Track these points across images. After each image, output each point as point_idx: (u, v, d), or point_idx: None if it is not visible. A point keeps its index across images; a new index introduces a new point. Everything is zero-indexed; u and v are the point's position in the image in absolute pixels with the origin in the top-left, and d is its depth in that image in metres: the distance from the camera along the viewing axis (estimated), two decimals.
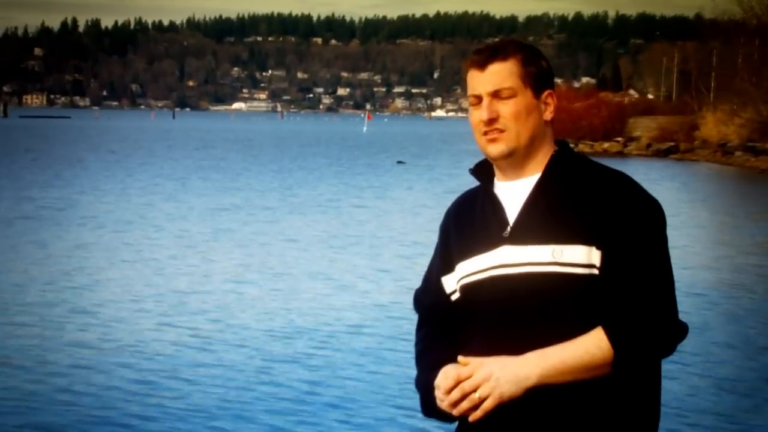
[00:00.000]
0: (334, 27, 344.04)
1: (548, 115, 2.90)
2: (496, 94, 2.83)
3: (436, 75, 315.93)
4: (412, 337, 3.12)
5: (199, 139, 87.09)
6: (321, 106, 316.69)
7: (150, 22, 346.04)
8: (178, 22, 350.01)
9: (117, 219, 24.36)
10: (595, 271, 2.73)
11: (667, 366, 10.38)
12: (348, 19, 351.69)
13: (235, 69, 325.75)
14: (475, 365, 2.72)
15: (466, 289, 2.89)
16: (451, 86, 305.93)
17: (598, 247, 2.73)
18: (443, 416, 2.81)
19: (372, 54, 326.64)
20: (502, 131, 2.83)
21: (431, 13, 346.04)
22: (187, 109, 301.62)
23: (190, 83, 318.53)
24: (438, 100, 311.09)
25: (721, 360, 11.33)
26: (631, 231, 2.73)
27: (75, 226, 22.69)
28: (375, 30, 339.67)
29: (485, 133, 2.84)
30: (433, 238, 3.28)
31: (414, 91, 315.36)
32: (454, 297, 2.96)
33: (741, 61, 63.23)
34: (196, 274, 16.53)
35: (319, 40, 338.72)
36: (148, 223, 23.77)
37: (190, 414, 9.14)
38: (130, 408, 9.29)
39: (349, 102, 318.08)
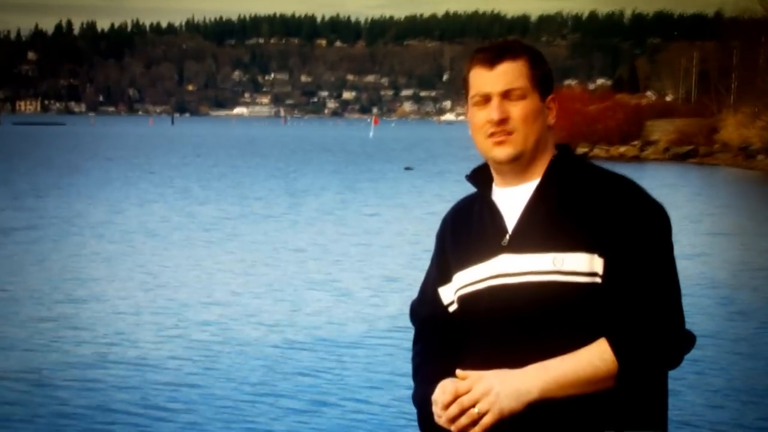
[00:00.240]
0: (339, 28, 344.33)
1: (551, 119, 2.89)
2: (506, 95, 2.82)
3: (445, 77, 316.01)
4: None
5: (200, 146, 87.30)
6: (326, 111, 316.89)
7: (148, 24, 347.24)
8: (176, 24, 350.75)
9: (115, 229, 24.50)
10: (598, 280, 2.71)
11: (690, 376, 10.48)
12: (353, 19, 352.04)
13: (236, 72, 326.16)
14: (473, 379, 2.70)
15: (463, 300, 2.88)
16: (461, 89, 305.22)
17: (600, 255, 2.71)
18: None
19: (378, 56, 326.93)
20: (509, 134, 2.81)
21: (440, 12, 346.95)
22: (187, 114, 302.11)
23: (190, 88, 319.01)
24: (447, 104, 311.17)
25: (745, 370, 11.42)
26: (635, 238, 2.72)
27: (72, 236, 22.84)
28: (381, 31, 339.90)
29: (492, 135, 2.82)
30: None
31: (422, 94, 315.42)
32: (451, 308, 2.96)
33: (763, 60, 63.24)
34: (199, 285, 16.66)
35: (323, 42, 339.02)
36: (147, 232, 23.90)
37: (197, 428, 9.26)
38: (135, 420, 9.41)
39: (354, 106, 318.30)
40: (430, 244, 3.13)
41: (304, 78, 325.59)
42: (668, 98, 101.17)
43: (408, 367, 3.03)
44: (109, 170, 49.13)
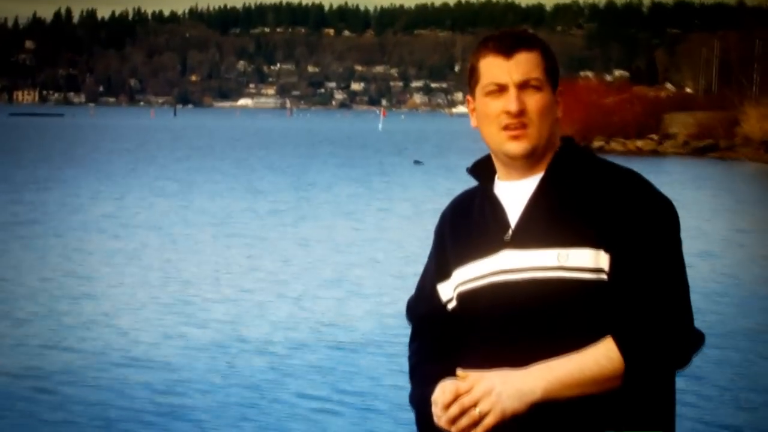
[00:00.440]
0: (347, 17, 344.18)
1: (559, 113, 2.89)
2: (524, 85, 2.81)
3: (457, 68, 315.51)
4: None
5: (203, 138, 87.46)
6: (333, 102, 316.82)
7: (149, 12, 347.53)
8: (179, 12, 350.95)
9: (118, 223, 24.62)
10: (604, 276, 2.72)
11: (712, 378, 10.56)
12: (362, 8, 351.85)
13: (241, 62, 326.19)
14: (474, 379, 2.69)
15: (463, 297, 2.88)
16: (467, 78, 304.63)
17: (606, 251, 2.72)
18: None
19: (388, 46, 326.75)
20: (525, 127, 2.80)
21: (452, 1, 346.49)
22: (190, 105, 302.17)
23: (193, 78, 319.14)
24: (459, 95, 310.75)
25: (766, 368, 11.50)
26: (643, 233, 2.72)
27: (73, 231, 22.96)
28: (391, 20, 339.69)
29: (506, 127, 2.80)
30: None
31: (433, 85, 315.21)
32: (450, 306, 2.94)
33: None
34: (205, 282, 16.76)
35: (331, 31, 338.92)
36: (151, 227, 24.02)
37: (209, 428, 9.36)
38: (145, 417, 9.52)
39: (363, 97, 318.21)
40: None
41: (310, 68, 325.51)
42: (688, 90, 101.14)
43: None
44: (109, 163, 49.26)
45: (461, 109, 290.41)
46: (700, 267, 18.22)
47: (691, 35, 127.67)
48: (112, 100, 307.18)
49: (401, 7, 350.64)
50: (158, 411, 9.82)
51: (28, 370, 11.18)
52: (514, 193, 2.85)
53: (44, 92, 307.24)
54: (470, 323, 2.85)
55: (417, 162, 52.60)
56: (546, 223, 2.78)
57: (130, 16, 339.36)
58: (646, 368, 2.67)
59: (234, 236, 22.61)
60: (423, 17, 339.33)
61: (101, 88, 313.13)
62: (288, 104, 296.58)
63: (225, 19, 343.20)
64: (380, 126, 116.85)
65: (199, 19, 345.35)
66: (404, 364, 9.48)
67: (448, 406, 2.69)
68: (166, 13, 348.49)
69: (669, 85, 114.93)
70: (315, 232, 23.44)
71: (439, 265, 2.98)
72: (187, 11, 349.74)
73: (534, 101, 2.80)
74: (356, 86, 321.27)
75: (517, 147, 2.80)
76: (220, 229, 23.80)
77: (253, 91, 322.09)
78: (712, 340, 12.53)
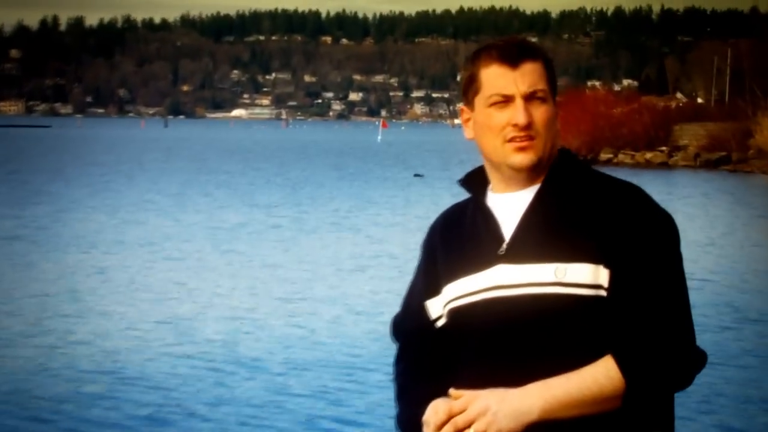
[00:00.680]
0: (346, 24, 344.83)
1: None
2: (530, 97, 2.80)
3: (459, 78, 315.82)
4: None
5: (196, 150, 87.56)
6: (331, 113, 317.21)
7: (140, 19, 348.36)
8: (171, 19, 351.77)
9: (107, 239, 24.68)
10: (603, 293, 2.72)
11: (733, 394, 10.60)
12: (361, 15, 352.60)
13: (235, 72, 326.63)
14: (469, 398, 2.68)
15: (455, 314, 2.86)
16: (464, 87, 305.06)
17: (605, 266, 2.72)
18: None
19: (388, 54, 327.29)
20: (532, 138, 2.80)
21: (454, 8, 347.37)
22: (182, 116, 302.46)
23: (185, 88, 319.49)
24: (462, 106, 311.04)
25: None
26: (644, 249, 2.72)
27: (62, 247, 23.01)
28: (391, 27, 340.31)
29: (512, 140, 2.80)
30: None
31: (435, 95, 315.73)
32: (439, 323, 2.93)
33: None
34: (199, 301, 16.81)
35: (328, 39, 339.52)
36: (142, 243, 24.08)
37: None
38: None
39: (362, 108, 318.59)
40: None
41: (307, 78, 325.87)
42: (699, 100, 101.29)
43: None
44: (98, 176, 49.33)
45: None
46: (714, 283, 18.29)
47: (703, 43, 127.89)
48: (100, 110, 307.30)
49: (401, 14, 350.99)
50: None
51: (12, 393, 11.21)
52: (508, 206, 2.85)
53: (30, 103, 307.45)
54: (462, 341, 2.84)
55: (417, 175, 52.71)
56: (542, 237, 2.77)
57: (120, 24, 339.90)
58: (648, 388, 2.67)
59: (229, 252, 22.66)
60: (424, 24, 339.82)
61: (89, 99, 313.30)
62: (284, 115, 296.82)
63: (218, 26, 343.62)
64: (379, 138, 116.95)
65: (191, 26, 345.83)
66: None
67: (440, 427, 2.68)
68: (157, 20, 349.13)
69: (679, 95, 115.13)
70: (314, 248, 23.49)
71: (428, 281, 2.96)
72: (178, 18, 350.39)
73: (540, 113, 2.80)
74: (355, 96, 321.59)
75: (523, 159, 2.80)
76: (214, 245, 23.85)
77: (247, 101, 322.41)
78: (727, 358, 12.60)
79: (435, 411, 2.71)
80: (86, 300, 16.63)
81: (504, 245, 2.81)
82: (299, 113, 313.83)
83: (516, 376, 2.69)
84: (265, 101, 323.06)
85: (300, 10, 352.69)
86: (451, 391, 2.71)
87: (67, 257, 21.49)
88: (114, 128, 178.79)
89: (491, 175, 2.89)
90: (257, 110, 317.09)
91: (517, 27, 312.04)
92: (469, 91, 2.88)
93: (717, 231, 27.44)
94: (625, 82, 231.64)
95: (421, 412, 2.77)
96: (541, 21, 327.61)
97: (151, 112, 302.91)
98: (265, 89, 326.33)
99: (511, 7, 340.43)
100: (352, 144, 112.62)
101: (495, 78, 2.82)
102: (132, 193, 39.15)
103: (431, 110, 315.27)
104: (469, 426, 2.65)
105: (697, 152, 64.13)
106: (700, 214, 32.14)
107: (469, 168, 2.98)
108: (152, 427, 10.09)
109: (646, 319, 2.67)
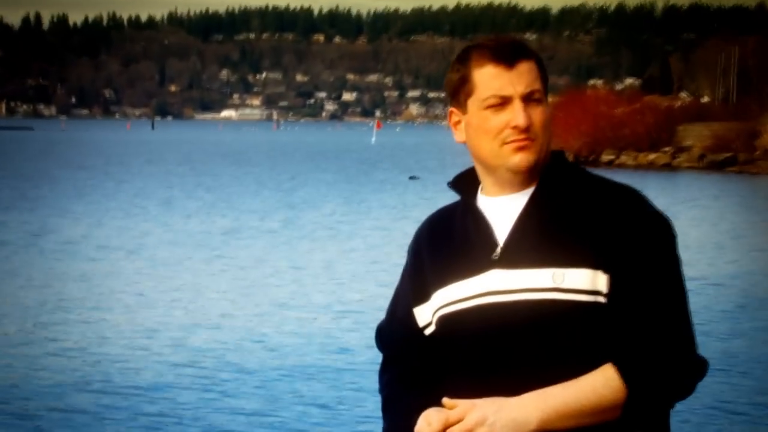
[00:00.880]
0: (339, 22, 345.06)
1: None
2: (527, 98, 2.79)
3: (447, 78, 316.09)
4: None
5: (184, 153, 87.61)
6: (323, 114, 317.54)
7: (125, 17, 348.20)
8: (157, 17, 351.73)
9: (94, 245, 24.72)
10: (601, 299, 2.71)
11: (740, 401, 10.68)
12: (354, 12, 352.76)
13: (224, 71, 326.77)
14: (465, 408, 2.66)
15: (446, 321, 2.84)
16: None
17: (604, 272, 2.71)
18: None
19: (382, 53, 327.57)
20: (532, 140, 2.79)
21: (450, 5, 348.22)
22: (169, 117, 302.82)
23: (172, 88, 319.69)
24: None
25: None
26: (643, 254, 2.72)
27: (48, 253, 23.05)
28: (385, 25, 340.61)
29: (512, 142, 2.78)
30: None
31: (431, 95, 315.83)
32: (428, 330, 2.91)
33: None
34: (190, 309, 16.86)
35: (321, 38, 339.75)
36: (130, 249, 24.11)
37: None
38: None
39: (355, 109, 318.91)
40: None
41: (299, 77, 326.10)
42: (704, 100, 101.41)
43: None
44: (83, 180, 49.37)
45: None
46: (721, 288, 18.37)
47: (708, 41, 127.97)
48: (85, 112, 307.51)
49: (396, 11, 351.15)
50: None
51: None
52: (501, 209, 2.83)
53: (12, 104, 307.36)
54: (453, 348, 2.82)
55: (412, 177, 52.82)
56: (538, 241, 2.76)
57: (105, 22, 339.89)
58: (650, 398, 2.67)
59: (219, 259, 22.71)
60: (420, 22, 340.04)
61: (73, 100, 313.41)
62: (275, 116, 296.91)
63: (207, 24, 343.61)
64: (373, 139, 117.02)
65: (178, 24, 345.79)
66: None
67: None
68: (143, 18, 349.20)
69: (683, 95, 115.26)
70: (306, 254, 23.55)
71: (416, 287, 2.94)
72: (165, 16, 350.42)
73: (537, 114, 2.79)
74: (348, 96, 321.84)
75: (522, 160, 2.78)
76: (203, 251, 23.91)
77: (237, 102, 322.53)
78: (737, 364, 12.67)
79: (428, 422, 2.68)
80: (73, 308, 16.66)
81: (498, 250, 2.79)
82: (291, 114, 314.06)
83: (510, 385, 2.68)
84: (256, 102, 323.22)
85: (291, 7, 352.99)
86: (445, 400, 2.68)
87: (53, 264, 21.52)
88: (99, 130, 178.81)
89: (484, 178, 2.87)
90: (247, 111, 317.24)
91: (515, 25, 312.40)
92: (460, 92, 2.85)
93: (724, 235, 27.51)
94: (628, 81, 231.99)
95: (410, 423, 2.75)
96: (540, 18, 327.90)
97: (137, 113, 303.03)
98: (255, 89, 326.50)
99: (509, 3, 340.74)
100: (346, 146, 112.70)
101: (490, 79, 2.79)
102: (119, 198, 39.19)
103: (427, 111, 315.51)
104: None
105: (701, 153, 64.17)
106: (705, 218, 32.23)
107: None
108: None
109: (648, 327, 2.67)
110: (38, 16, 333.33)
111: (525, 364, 2.71)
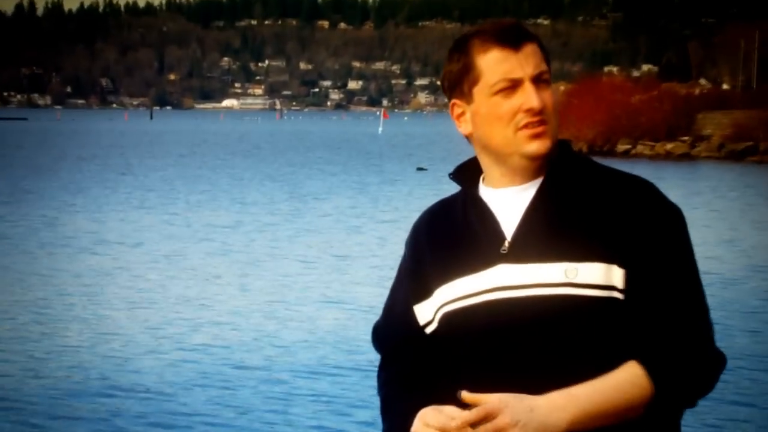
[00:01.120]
0: (344, 8, 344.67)
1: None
2: (536, 79, 2.77)
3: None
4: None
5: (184, 144, 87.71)
6: (328, 103, 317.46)
7: (122, 3, 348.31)
8: (156, 3, 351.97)
9: (95, 239, 24.85)
10: (616, 294, 2.70)
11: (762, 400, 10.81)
12: None
13: (225, 59, 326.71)
14: (495, 406, 2.59)
15: (451, 318, 2.81)
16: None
17: (620, 266, 2.70)
18: None
19: (389, 40, 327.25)
20: (545, 123, 2.77)
21: None
22: (168, 107, 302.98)
23: (172, 77, 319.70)
24: None
25: None
26: (661, 247, 2.72)
27: (47, 247, 23.18)
28: (392, 11, 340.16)
29: (526, 126, 2.76)
30: None
31: (440, 83, 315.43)
32: (429, 329, 2.88)
33: None
34: (195, 304, 16.98)
35: (325, 24, 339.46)
36: (132, 242, 24.24)
37: None
38: None
39: (361, 97, 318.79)
40: None
41: (303, 65, 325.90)
42: (724, 86, 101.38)
43: None
44: (80, 172, 49.51)
45: None
46: (743, 283, 18.51)
47: (728, 25, 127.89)
48: (81, 101, 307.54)
49: None
50: None
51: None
52: (506, 202, 2.82)
53: (5, 94, 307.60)
54: (458, 347, 2.80)
55: (420, 169, 52.86)
56: (549, 235, 2.74)
57: (101, 8, 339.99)
58: (676, 396, 2.69)
59: (223, 253, 22.84)
60: (428, 7, 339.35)
61: (69, 89, 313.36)
62: (278, 105, 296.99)
63: (207, 10, 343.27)
64: (380, 129, 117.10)
65: (177, 11, 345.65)
66: None
67: None
68: (141, 4, 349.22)
69: (703, 81, 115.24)
70: (313, 248, 23.67)
71: (416, 283, 2.90)
72: (164, 2, 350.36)
73: (547, 96, 2.78)
74: (354, 85, 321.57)
75: (540, 146, 2.76)
76: (206, 246, 24.03)
77: (238, 90, 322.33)
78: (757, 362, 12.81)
79: (424, 422, 2.67)
80: (71, 304, 16.80)
81: (506, 243, 2.77)
82: (294, 103, 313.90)
83: (520, 383, 2.65)
84: (258, 91, 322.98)
85: None
86: (464, 394, 2.61)
87: (50, 259, 21.65)
88: (96, 120, 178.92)
89: (492, 168, 2.85)
90: (249, 100, 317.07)
91: (527, 10, 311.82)
92: (463, 82, 2.83)
93: (745, 228, 27.56)
94: (645, 67, 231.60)
95: (410, 425, 2.72)
96: (553, 3, 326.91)
97: (135, 103, 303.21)
98: (257, 78, 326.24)
99: None
100: (352, 136, 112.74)
101: (498, 63, 2.77)
102: (118, 190, 39.32)
103: (436, 99, 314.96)
104: None
105: (721, 142, 64.10)
106: (726, 210, 32.27)
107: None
108: None
109: (672, 324, 2.67)
110: (32, 3, 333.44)
111: (535, 362, 2.69)
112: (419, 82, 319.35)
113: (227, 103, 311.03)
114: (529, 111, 2.74)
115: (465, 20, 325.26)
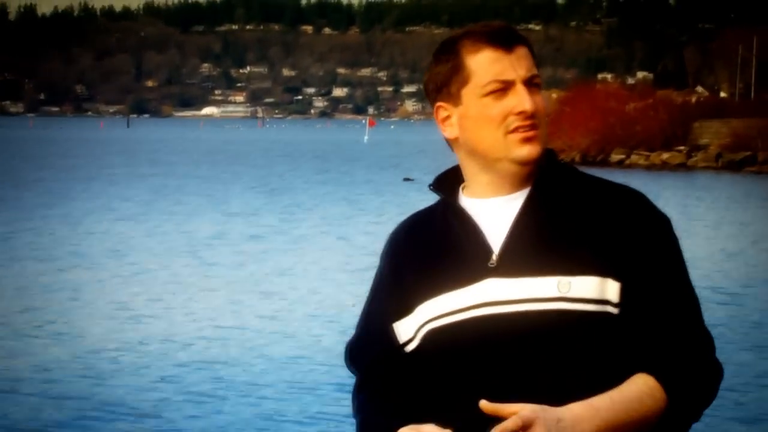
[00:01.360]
0: (328, 12, 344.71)
1: None
2: (528, 82, 2.77)
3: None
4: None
5: (163, 153, 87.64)
6: (312, 111, 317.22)
7: (98, 7, 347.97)
8: (133, 7, 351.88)
9: (69, 251, 24.83)
10: (610, 308, 2.71)
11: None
12: (345, 1, 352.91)
13: (205, 65, 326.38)
14: (528, 415, 2.56)
15: (435, 335, 2.77)
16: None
17: (615, 279, 2.71)
18: None
19: (376, 45, 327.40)
20: (536, 128, 2.76)
21: None
22: (146, 115, 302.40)
23: (150, 83, 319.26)
24: None
25: None
26: (656, 258, 2.74)
27: (20, 261, 23.17)
28: (379, 15, 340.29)
29: (516, 130, 2.75)
30: None
31: (423, 87, 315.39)
32: (410, 347, 2.84)
33: None
34: (178, 319, 17.00)
35: (309, 29, 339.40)
36: (108, 256, 24.24)
37: None
38: None
39: (347, 105, 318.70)
40: None
41: (286, 72, 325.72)
42: (722, 94, 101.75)
43: None
44: (56, 182, 49.44)
45: None
46: (744, 297, 18.63)
47: (726, 30, 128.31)
48: (55, 109, 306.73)
49: (391, 0, 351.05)
50: None
51: None
52: (490, 212, 2.80)
53: None
54: (444, 365, 2.77)
55: (407, 179, 52.93)
56: (539, 247, 2.73)
57: (76, 12, 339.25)
58: (690, 405, 2.71)
59: (206, 265, 22.88)
60: (416, 12, 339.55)
61: (43, 96, 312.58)
62: (260, 113, 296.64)
63: (186, 15, 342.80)
64: (366, 138, 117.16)
65: (156, 15, 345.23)
66: None
67: None
68: (118, 8, 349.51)
69: (700, 89, 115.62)
70: (297, 260, 23.72)
71: (395, 300, 2.86)
72: (142, 6, 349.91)
73: (539, 100, 2.78)
74: (339, 92, 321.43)
75: (531, 150, 2.75)
76: (189, 258, 24.05)
77: (219, 98, 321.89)
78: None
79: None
80: (46, 318, 16.81)
81: (493, 257, 2.75)
82: (277, 111, 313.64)
83: (510, 400, 2.60)
84: (239, 98, 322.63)
85: None
86: (484, 404, 2.58)
87: (24, 271, 21.65)
88: (70, 128, 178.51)
89: (477, 176, 2.83)
90: (230, 108, 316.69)
91: (519, 15, 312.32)
92: (451, 83, 2.82)
93: (745, 240, 27.67)
94: (640, 74, 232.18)
95: None
96: (546, 7, 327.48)
97: (111, 110, 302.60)
98: (239, 84, 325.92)
99: None
100: (336, 145, 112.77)
101: (489, 63, 2.77)
102: (95, 200, 39.29)
103: (424, 107, 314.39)
104: None
105: (719, 152, 64.19)
106: (725, 221, 32.36)
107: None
108: None
109: (678, 335, 2.69)
110: (4, 7, 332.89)
111: (526, 378, 2.68)
112: (407, 89, 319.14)
113: (207, 110, 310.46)
114: (521, 114, 2.74)
115: (454, 25, 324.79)
